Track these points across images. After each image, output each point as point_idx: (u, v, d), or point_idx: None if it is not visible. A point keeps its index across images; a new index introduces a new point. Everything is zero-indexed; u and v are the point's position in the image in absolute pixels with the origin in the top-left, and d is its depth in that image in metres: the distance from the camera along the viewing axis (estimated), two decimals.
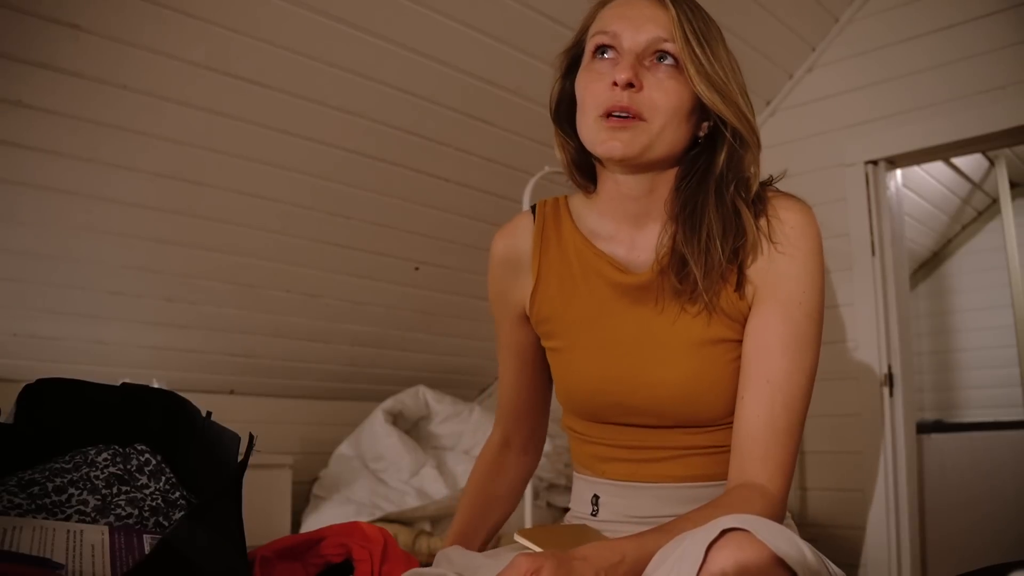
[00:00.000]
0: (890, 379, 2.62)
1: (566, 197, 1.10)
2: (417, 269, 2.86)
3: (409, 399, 3.00)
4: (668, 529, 0.83)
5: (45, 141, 1.95)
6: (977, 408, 4.16)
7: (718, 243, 0.94)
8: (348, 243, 2.64)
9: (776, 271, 0.94)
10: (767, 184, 1.01)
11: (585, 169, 1.07)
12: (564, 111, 1.06)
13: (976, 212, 4.32)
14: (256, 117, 2.16)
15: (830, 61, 2.83)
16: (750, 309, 0.95)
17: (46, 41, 1.77)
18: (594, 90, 0.95)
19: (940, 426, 3.36)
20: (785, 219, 0.96)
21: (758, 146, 0.98)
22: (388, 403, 2.94)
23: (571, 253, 1.04)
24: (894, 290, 2.66)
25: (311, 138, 2.29)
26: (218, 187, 2.28)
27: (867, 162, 2.70)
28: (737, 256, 0.95)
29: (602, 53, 0.97)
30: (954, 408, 4.27)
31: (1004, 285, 3.77)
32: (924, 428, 2.98)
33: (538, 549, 0.88)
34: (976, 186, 4.03)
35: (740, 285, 0.95)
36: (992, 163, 3.78)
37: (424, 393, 3.04)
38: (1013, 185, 3.82)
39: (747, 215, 0.95)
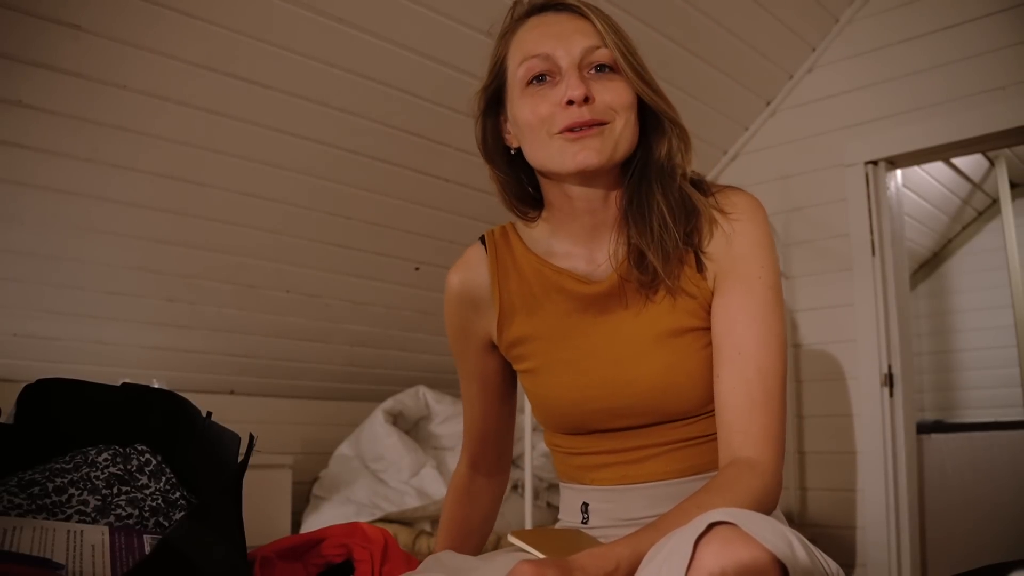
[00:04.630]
0: (890, 379, 2.62)
1: (512, 224, 1.11)
2: (417, 269, 2.86)
3: (409, 399, 3.00)
4: (659, 526, 0.83)
5: (45, 141, 1.95)
6: (977, 408, 4.16)
7: (671, 226, 0.96)
8: (348, 243, 2.64)
9: (732, 253, 0.97)
10: (708, 181, 1.04)
11: (523, 198, 1.08)
12: (491, 147, 1.06)
13: (976, 212, 4.32)
14: (256, 117, 2.16)
15: (830, 61, 2.83)
16: (712, 294, 0.97)
17: (46, 41, 1.77)
18: (542, 112, 0.95)
19: (940, 426, 3.36)
20: (734, 202, 0.99)
21: (688, 135, 1.01)
22: (388, 403, 2.94)
23: (529, 275, 1.04)
24: (894, 290, 2.66)
25: (311, 138, 2.29)
26: (218, 187, 2.28)
27: (867, 162, 2.70)
28: (692, 239, 0.98)
29: (540, 79, 0.97)
30: (954, 408, 4.28)
31: (1004, 285, 3.77)
32: (924, 428, 2.98)
33: (532, 550, 0.89)
34: (976, 186, 4.04)
35: (700, 267, 0.98)
36: (992, 163, 3.78)
37: (424, 393, 3.04)
38: (1013, 185, 3.82)
39: (696, 196, 0.98)
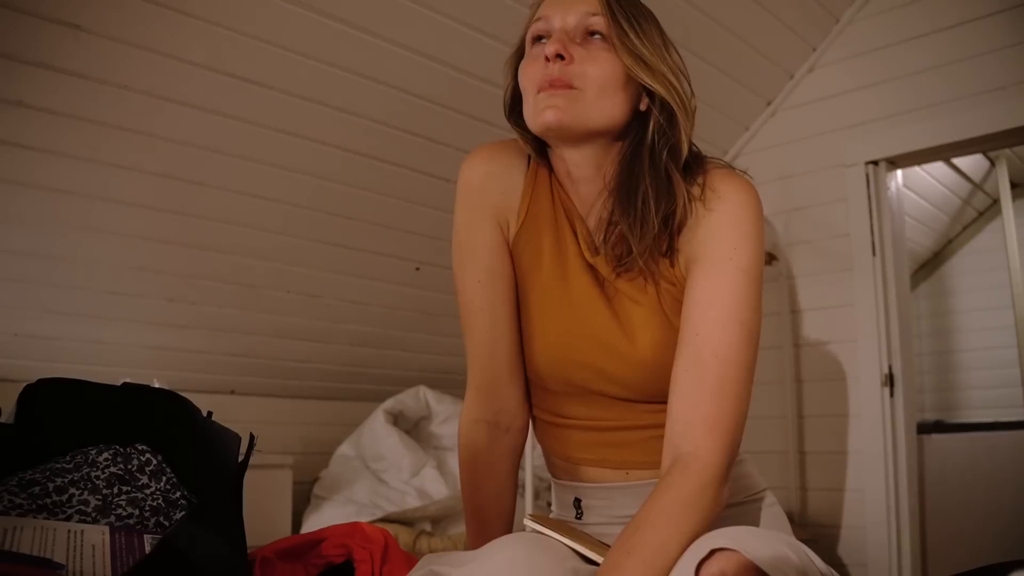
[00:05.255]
0: (890, 379, 2.62)
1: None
2: (418, 269, 2.86)
3: (410, 399, 3.00)
4: (632, 549, 0.81)
5: (45, 141, 1.95)
6: (977, 408, 4.16)
7: (652, 208, 0.94)
8: (348, 243, 2.64)
9: (704, 235, 0.95)
10: (716, 160, 1.01)
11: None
12: (518, 111, 1.06)
13: (977, 212, 4.32)
14: (256, 117, 2.16)
15: (831, 61, 2.83)
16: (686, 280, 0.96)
17: (46, 41, 1.77)
18: (530, 72, 0.98)
19: (940, 426, 3.36)
20: (719, 189, 0.96)
21: (689, 117, 0.98)
22: (389, 403, 2.94)
23: (559, 209, 1.03)
24: (895, 290, 2.66)
25: (311, 138, 2.29)
26: (218, 187, 2.28)
27: (868, 162, 2.70)
28: (667, 225, 0.96)
29: (538, 40, 0.99)
30: (954, 408, 4.27)
31: (1005, 285, 3.77)
32: (924, 428, 2.98)
33: (550, 532, 0.92)
34: (977, 186, 4.03)
35: (671, 252, 0.96)
36: (993, 163, 3.78)
37: (425, 393, 3.04)
38: (1014, 185, 3.82)
39: (678, 181, 0.96)
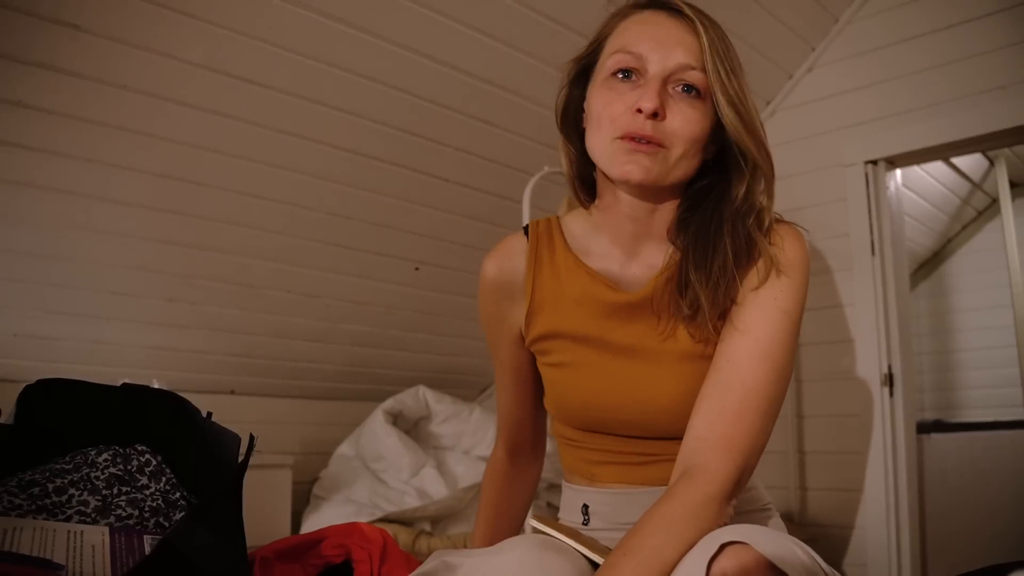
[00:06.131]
0: (890, 379, 2.62)
1: (558, 217, 1.10)
2: (417, 269, 2.86)
3: (409, 399, 3.00)
4: (629, 551, 0.81)
5: (45, 141, 1.95)
6: (977, 408, 4.16)
7: (730, 273, 0.94)
8: (349, 243, 2.64)
9: (759, 286, 0.95)
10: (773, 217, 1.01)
11: (585, 180, 1.08)
12: (571, 119, 1.05)
13: (976, 212, 4.32)
14: (256, 117, 2.16)
15: (830, 61, 2.83)
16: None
17: (46, 41, 1.77)
18: (613, 111, 0.94)
19: (940, 426, 3.36)
20: (785, 247, 0.97)
21: (773, 177, 0.98)
22: (388, 403, 2.94)
23: (563, 273, 1.04)
24: (894, 290, 2.66)
25: (311, 138, 2.29)
26: (218, 187, 2.28)
27: (867, 162, 2.70)
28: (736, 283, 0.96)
29: (626, 75, 0.96)
30: (954, 408, 4.28)
31: (1004, 285, 3.77)
32: (924, 428, 2.98)
33: (554, 532, 0.92)
34: (976, 186, 4.03)
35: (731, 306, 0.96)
36: (992, 163, 3.78)
37: (424, 393, 3.04)
38: (1013, 185, 3.82)
39: (764, 245, 0.95)
